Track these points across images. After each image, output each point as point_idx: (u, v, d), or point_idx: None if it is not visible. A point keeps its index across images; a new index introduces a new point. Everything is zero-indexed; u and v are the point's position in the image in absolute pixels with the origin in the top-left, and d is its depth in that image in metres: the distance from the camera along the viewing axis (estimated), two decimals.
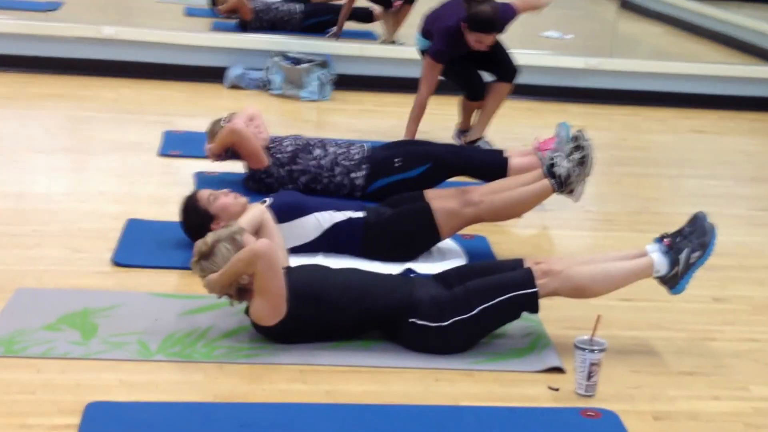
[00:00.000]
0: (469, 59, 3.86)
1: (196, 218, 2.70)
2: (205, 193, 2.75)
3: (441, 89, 4.32)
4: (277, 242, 2.48)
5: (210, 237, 2.28)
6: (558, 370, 2.26)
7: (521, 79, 5.37)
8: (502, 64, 3.94)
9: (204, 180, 3.41)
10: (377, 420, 1.99)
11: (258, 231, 2.46)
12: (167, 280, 2.61)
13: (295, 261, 2.50)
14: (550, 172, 2.93)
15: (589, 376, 2.14)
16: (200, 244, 2.28)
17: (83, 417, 1.90)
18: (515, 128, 4.54)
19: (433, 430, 1.97)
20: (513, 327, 2.41)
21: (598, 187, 3.86)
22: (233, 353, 2.23)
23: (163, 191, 3.30)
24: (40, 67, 4.94)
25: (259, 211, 2.52)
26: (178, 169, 3.59)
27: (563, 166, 2.91)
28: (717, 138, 5.02)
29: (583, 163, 2.92)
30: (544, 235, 3.36)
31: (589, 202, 3.57)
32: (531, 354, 2.33)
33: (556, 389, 2.18)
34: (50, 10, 5.72)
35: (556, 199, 3.08)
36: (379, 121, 4.65)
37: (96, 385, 2.04)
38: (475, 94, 4.02)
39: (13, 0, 5.89)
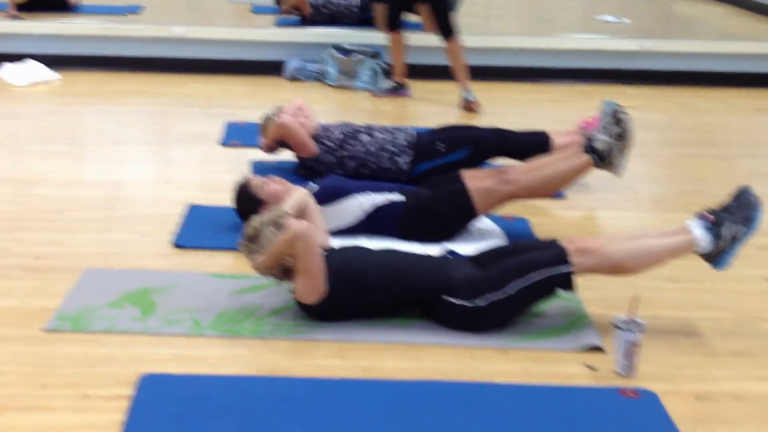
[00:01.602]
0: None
1: (248, 204, 2.72)
2: (256, 181, 2.76)
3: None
4: (318, 224, 2.47)
5: (256, 221, 2.29)
6: (597, 349, 2.14)
7: (575, 63, 5.28)
8: (441, 25, 4.50)
9: (260, 168, 3.43)
10: (412, 395, 1.96)
11: (302, 214, 2.45)
12: (222, 261, 2.64)
13: (340, 243, 2.48)
14: (589, 147, 2.81)
15: (629, 356, 2.02)
16: (247, 228, 2.29)
17: (137, 388, 1.94)
18: (570, 113, 4.35)
19: (467, 405, 1.92)
20: (551, 306, 2.32)
21: (650, 167, 3.67)
22: (278, 330, 2.23)
23: (222, 178, 3.34)
24: (119, 66, 5.08)
25: (301, 195, 2.51)
26: (237, 158, 3.62)
27: (603, 141, 2.79)
28: None
29: (622, 136, 2.79)
30: (588, 216, 3.22)
31: (639, 183, 3.41)
32: (569, 333, 2.23)
33: (595, 369, 2.07)
34: (132, 13, 5.87)
35: (603, 179, 2.93)
36: (428, 107, 4.59)
37: (151, 359, 2.08)
38: (391, 21, 4.62)
39: (98, 5, 6.07)
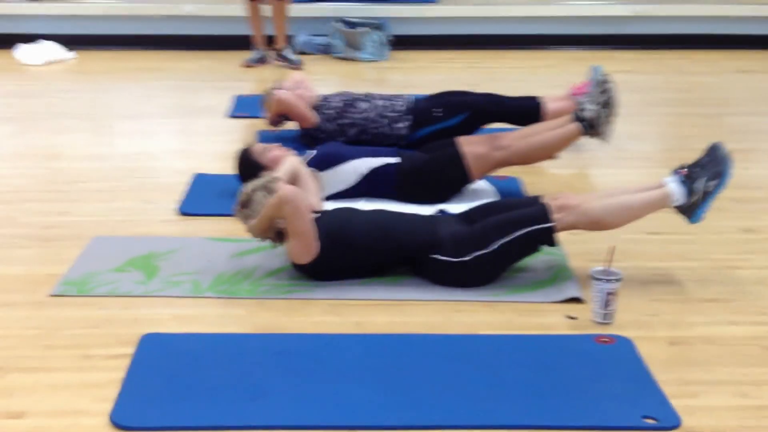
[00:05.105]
0: None
1: (250, 169, 2.68)
2: (259, 147, 2.73)
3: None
4: (310, 189, 2.45)
5: (248, 187, 2.25)
6: (577, 300, 2.12)
7: (571, 29, 5.20)
8: None
9: (266, 137, 3.37)
10: (401, 347, 1.93)
11: (294, 180, 2.42)
12: (224, 227, 2.60)
13: (335, 206, 2.44)
14: (578, 116, 2.79)
15: (606, 305, 2.01)
16: (240, 194, 2.26)
17: (138, 346, 1.92)
18: (565, 77, 4.28)
19: (454, 356, 1.90)
20: (536, 261, 2.28)
21: (638, 127, 3.62)
22: (274, 290, 2.20)
23: (229, 148, 3.27)
24: (131, 45, 5.03)
25: (292, 162, 2.48)
26: (243, 129, 3.58)
27: (590, 109, 2.78)
28: (762, 77, 4.62)
29: (607, 104, 2.77)
30: (578, 174, 3.17)
31: (626, 142, 3.36)
32: (551, 286, 2.20)
33: (575, 318, 2.05)
34: None
35: (592, 140, 2.90)
36: (432, 76, 4.52)
37: (152, 319, 2.06)
38: None
39: None
